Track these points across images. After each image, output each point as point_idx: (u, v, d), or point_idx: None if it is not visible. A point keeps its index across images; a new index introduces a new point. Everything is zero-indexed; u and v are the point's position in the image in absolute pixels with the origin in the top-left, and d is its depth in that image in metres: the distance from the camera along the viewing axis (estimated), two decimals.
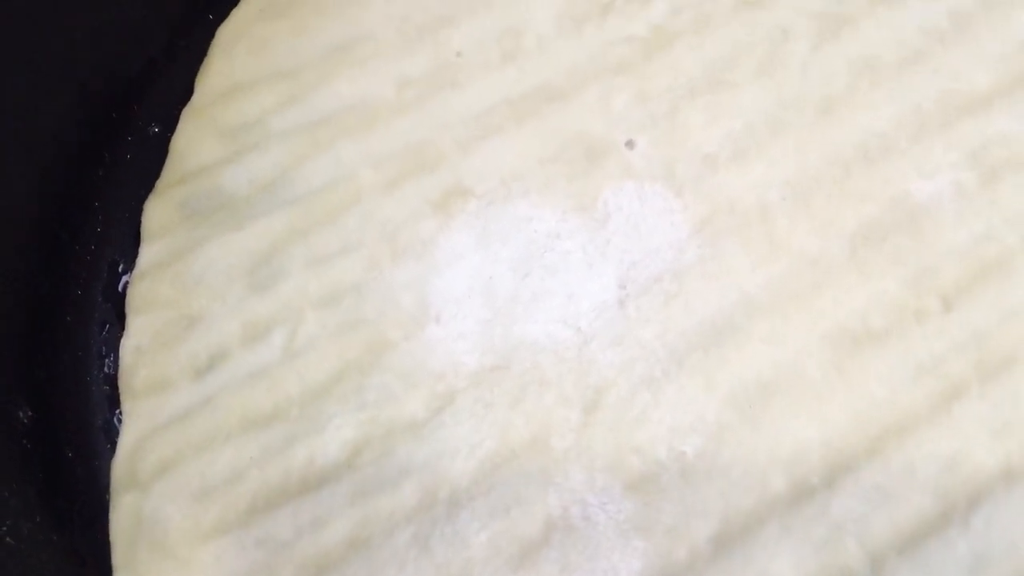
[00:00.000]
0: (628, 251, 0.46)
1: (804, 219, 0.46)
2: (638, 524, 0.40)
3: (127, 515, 0.42)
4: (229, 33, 0.53)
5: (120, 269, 0.48)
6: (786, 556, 0.39)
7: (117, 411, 0.44)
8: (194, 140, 0.50)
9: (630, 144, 0.48)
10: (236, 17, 0.53)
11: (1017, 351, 0.42)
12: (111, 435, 0.44)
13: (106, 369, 0.46)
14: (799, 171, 0.47)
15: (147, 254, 0.48)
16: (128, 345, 0.45)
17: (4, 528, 0.38)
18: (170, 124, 0.50)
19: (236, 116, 0.50)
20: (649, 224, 0.46)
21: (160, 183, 0.49)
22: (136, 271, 0.47)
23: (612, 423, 0.42)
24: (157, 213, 0.49)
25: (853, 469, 0.41)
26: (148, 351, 0.45)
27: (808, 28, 0.50)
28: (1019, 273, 0.44)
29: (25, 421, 0.42)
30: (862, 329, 0.43)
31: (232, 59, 0.52)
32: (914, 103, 0.48)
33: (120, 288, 0.47)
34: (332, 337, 0.45)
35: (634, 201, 0.47)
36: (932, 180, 0.46)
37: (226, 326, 0.45)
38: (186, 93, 0.51)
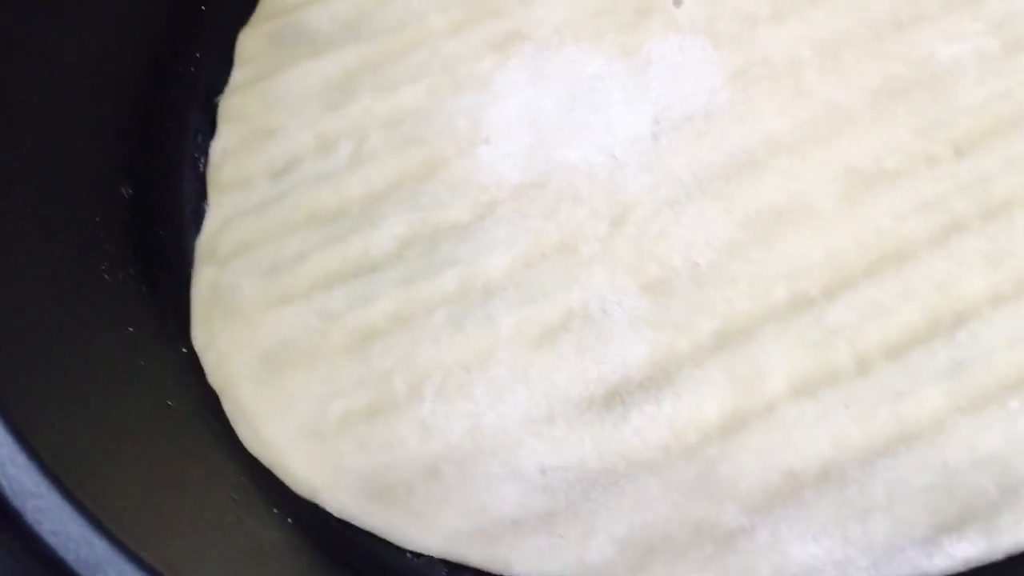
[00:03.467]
0: (665, 94, 0.50)
1: (831, 73, 0.49)
2: (649, 318, 0.45)
3: (206, 284, 0.49)
4: None
5: (214, 89, 0.54)
6: (780, 353, 0.43)
7: (204, 203, 0.51)
8: None
9: (677, 2, 0.52)
10: None
11: (1018, 194, 0.45)
12: (197, 222, 0.50)
13: (198, 168, 0.52)
14: (831, 32, 0.50)
15: (238, 76, 0.54)
16: (217, 147, 0.52)
17: (103, 267, 0.45)
18: None
19: None
20: (687, 71, 0.50)
21: (253, 18, 0.55)
22: (227, 89, 0.53)
23: (635, 235, 0.47)
24: (249, 43, 0.55)
25: (851, 285, 0.44)
26: (233, 153, 0.51)
27: None
28: None
29: (126, 196, 0.49)
30: (874, 168, 0.47)
31: None
32: None
33: (214, 103, 0.53)
34: (393, 151, 0.50)
35: (675, 52, 0.51)
36: (957, 44, 0.49)
37: (301, 137, 0.51)
38: None
